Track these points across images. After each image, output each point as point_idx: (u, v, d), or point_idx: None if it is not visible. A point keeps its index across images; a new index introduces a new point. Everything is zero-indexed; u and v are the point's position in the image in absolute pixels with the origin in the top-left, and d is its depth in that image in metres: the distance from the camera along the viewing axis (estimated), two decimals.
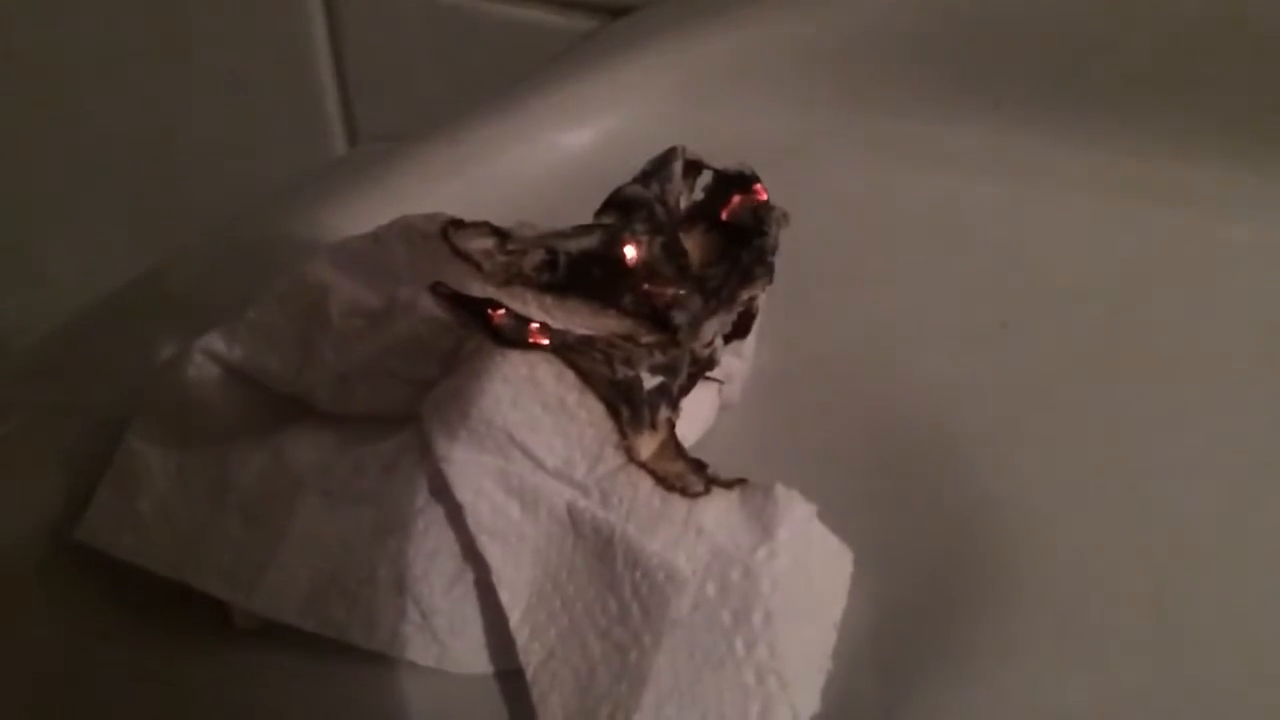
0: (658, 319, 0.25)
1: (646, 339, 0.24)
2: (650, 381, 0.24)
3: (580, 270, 0.25)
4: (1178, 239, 0.31)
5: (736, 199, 0.26)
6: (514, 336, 0.24)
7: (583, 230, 0.25)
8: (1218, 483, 0.25)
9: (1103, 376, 0.28)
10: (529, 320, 0.24)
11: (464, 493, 0.23)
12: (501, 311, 0.24)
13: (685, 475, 0.23)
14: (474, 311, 0.24)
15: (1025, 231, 0.32)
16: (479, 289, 0.25)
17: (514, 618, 0.23)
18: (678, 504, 0.23)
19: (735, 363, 0.27)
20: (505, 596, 0.23)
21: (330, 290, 0.25)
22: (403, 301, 0.24)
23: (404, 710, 0.23)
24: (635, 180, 0.26)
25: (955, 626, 0.23)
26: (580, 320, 0.25)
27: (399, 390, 0.24)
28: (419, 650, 0.23)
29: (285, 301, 0.26)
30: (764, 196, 0.26)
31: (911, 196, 0.33)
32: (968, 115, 0.34)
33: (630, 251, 0.25)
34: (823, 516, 0.24)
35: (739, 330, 0.27)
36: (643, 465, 0.23)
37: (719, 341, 0.26)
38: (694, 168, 0.27)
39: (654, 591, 0.22)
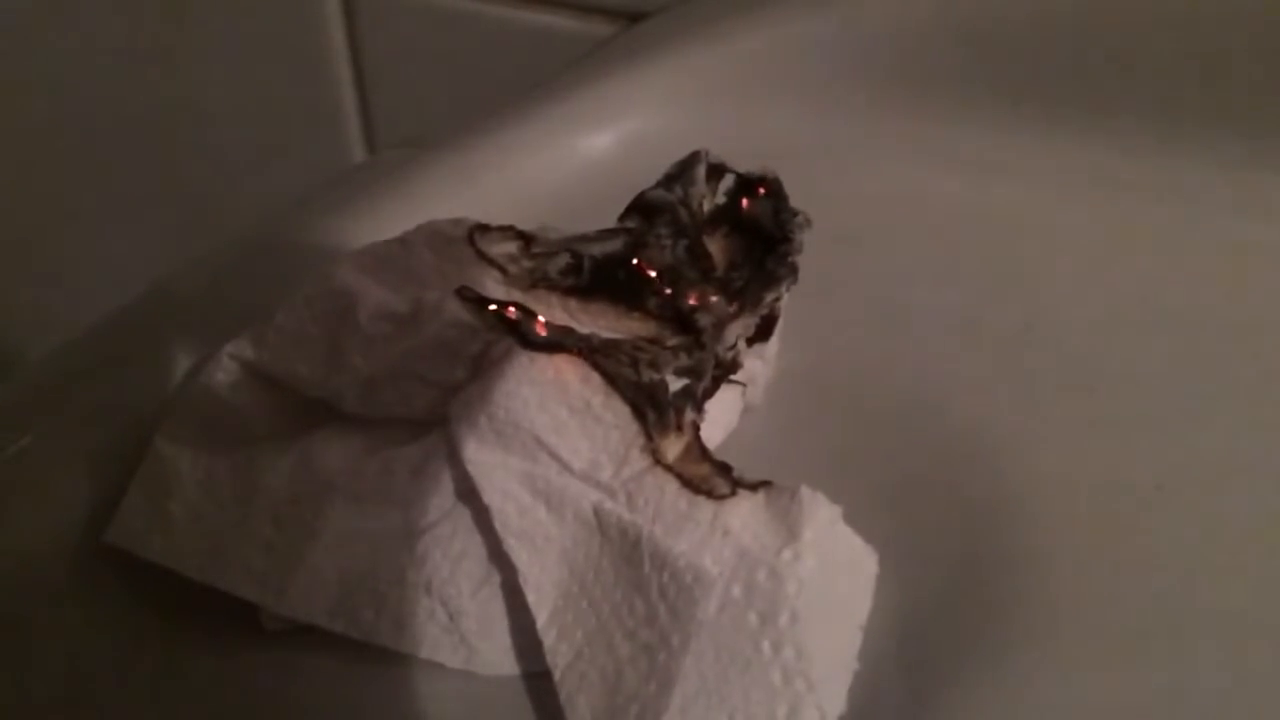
0: (682, 322, 0.25)
1: (671, 342, 0.25)
2: (675, 384, 0.24)
3: (605, 274, 0.25)
4: (1203, 241, 0.31)
5: (745, 202, 0.27)
6: (525, 331, 0.24)
7: (607, 234, 0.26)
8: (1244, 482, 0.25)
9: (1126, 377, 0.28)
10: (535, 314, 0.24)
11: (491, 495, 0.23)
12: (511, 307, 0.24)
13: (711, 477, 0.24)
14: (500, 314, 0.24)
15: (1048, 233, 0.32)
16: (504, 293, 0.25)
17: (541, 619, 0.23)
18: (704, 506, 0.23)
19: (758, 365, 0.28)
20: (532, 598, 0.23)
21: (357, 295, 0.25)
22: (430, 306, 0.24)
23: (432, 712, 0.23)
24: (658, 184, 0.26)
25: (980, 627, 0.23)
26: (605, 323, 0.25)
27: (426, 393, 0.25)
28: (447, 652, 0.23)
29: (312, 306, 0.26)
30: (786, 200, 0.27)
31: (932, 198, 0.33)
32: (989, 117, 0.34)
33: (651, 272, 0.25)
34: (847, 518, 0.24)
35: (762, 333, 0.27)
36: (668, 468, 0.24)
37: (742, 344, 0.26)
38: (717, 171, 0.27)
39: (681, 593, 0.22)
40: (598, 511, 0.23)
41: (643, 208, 0.26)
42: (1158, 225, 0.32)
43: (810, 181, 0.27)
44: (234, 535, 0.24)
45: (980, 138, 0.34)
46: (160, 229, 0.60)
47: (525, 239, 0.26)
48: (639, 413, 0.24)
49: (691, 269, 0.25)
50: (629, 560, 0.23)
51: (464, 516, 0.23)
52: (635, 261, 0.25)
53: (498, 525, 0.23)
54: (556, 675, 0.23)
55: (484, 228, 0.26)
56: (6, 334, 0.65)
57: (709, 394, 0.25)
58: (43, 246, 0.65)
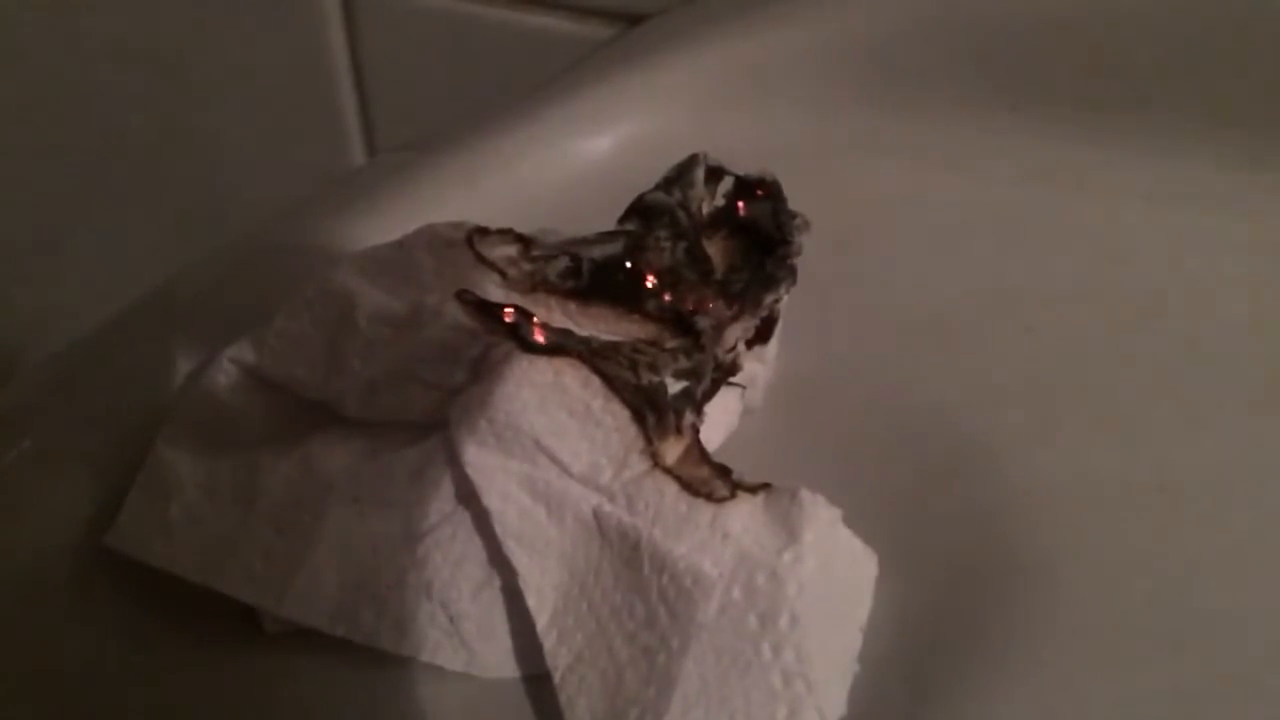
0: (682, 324, 0.25)
1: (670, 344, 0.25)
2: (674, 387, 0.24)
3: (604, 276, 0.25)
4: (1204, 241, 0.31)
5: (744, 204, 0.27)
6: (524, 334, 0.24)
7: (606, 236, 0.26)
8: (1246, 484, 0.25)
9: (1127, 378, 0.28)
10: (531, 315, 0.24)
11: (491, 498, 0.23)
12: (509, 309, 0.24)
13: (710, 480, 0.24)
14: (500, 318, 0.24)
15: (1047, 234, 0.32)
16: (503, 296, 0.25)
17: (541, 622, 0.23)
18: (703, 509, 0.23)
19: (758, 367, 0.28)
20: (532, 601, 0.23)
21: (357, 298, 0.25)
22: (429, 309, 0.24)
23: (432, 714, 0.23)
24: (657, 186, 0.26)
25: (980, 629, 0.23)
26: (605, 325, 0.25)
27: (426, 397, 0.25)
28: (447, 655, 0.23)
29: (313, 309, 0.26)
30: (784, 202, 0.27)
31: (932, 199, 0.33)
32: (988, 117, 0.34)
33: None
34: (847, 520, 0.24)
35: (761, 335, 0.27)
36: (668, 470, 0.24)
37: (742, 346, 0.26)
38: (715, 173, 0.27)
39: (681, 595, 0.22)
40: (598, 514, 0.23)
41: (642, 210, 0.26)
42: (1158, 225, 0.32)
43: (809, 183, 0.27)
44: (234, 539, 0.24)
45: (980, 139, 0.34)
46: (160, 232, 0.60)
47: (524, 242, 0.26)
48: (638, 416, 0.24)
49: (691, 271, 0.25)
50: (629, 563, 0.23)
51: (464, 520, 0.23)
52: (634, 264, 0.25)
53: (498, 528, 0.23)
54: (556, 678, 0.23)
55: (483, 231, 0.26)
56: (7, 337, 0.65)
57: (708, 396, 0.25)
58: (43, 249, 0.65)
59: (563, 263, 0.25)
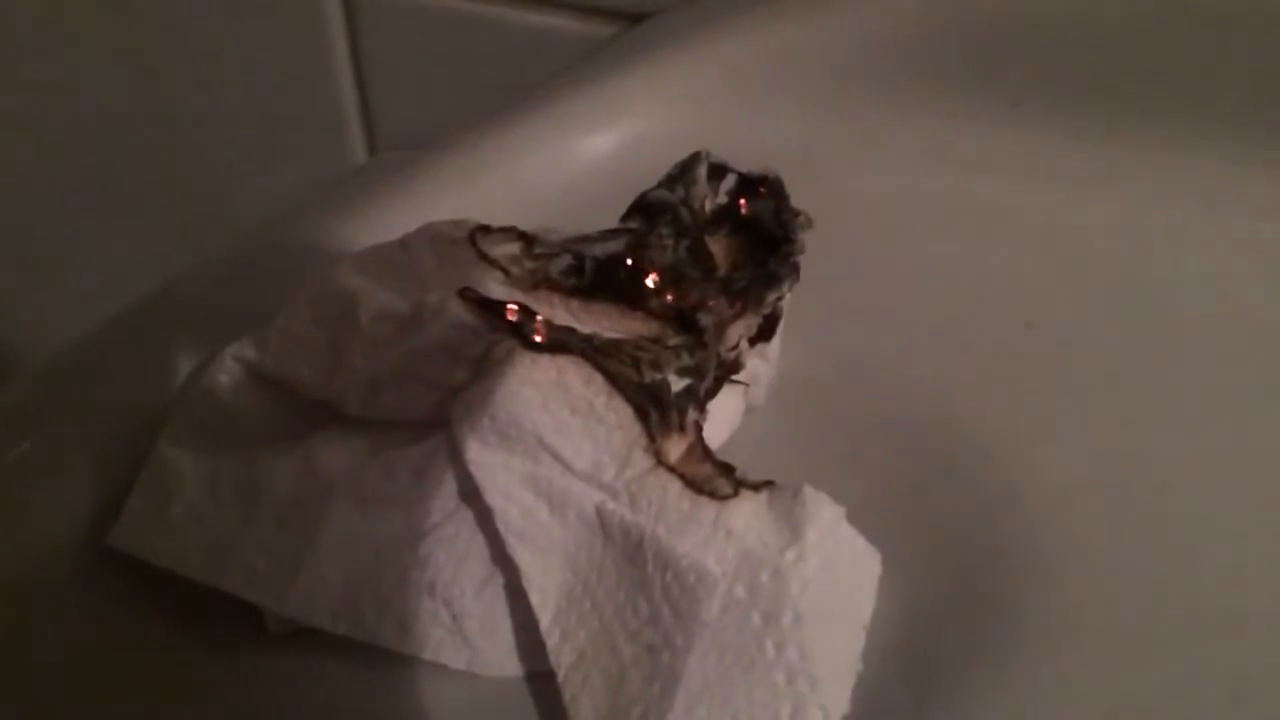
0: (684, 321, 0.25)
1: (673, 341, 0.25)
2: (677, 384, 0.24)
3: (606, 274, 0.25)
4: (1205, 238, 0.31)
5: (746, 202, 0.27)
6: (527, 332, 0.24)
7: (609, 234, 0.26)
8: (1248, 481, 0.25)
9: (1128, 375, 0.28)
10: (534, 313, 0.24)
11: (493, 496, 0.23)
12: (512, 307, 0.24)
13: (713, 478, 0.24)
14: (502, 316, 0.24)
15: (1048, 232, 0.32)
16: (506, 294, 0.25)
17: (544, 620, 0.23)
18: (706, 506, 0.23)
19: (760, 365, 0.28)
20: (535, 599, 0.23)
21: (359, 297, 0.25)
22: (431, 307, 0.24)
23: (435, 713, 0.23)
24: (660, 184, 0.26)
25: (984, 627, 0.23)
26: (608, 323, 0.25)
27: (428, 395, 0.25)
28: (450, 653, 0.23)
29: (314, 308, 0.26)
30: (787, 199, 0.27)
31: (934, 197, 0.33)
32: (988, 115, 0.34)
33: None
34: (850, 518, 0.24)
35: (764, 333, 0.27)
36: (671, 468, 0.24)
37: (745, 344, 0.26)
38: (718, 171, 0.27)
39: (684, 593, 0.22)
40: (600, 512, 0.23)
41: (644, 208, 0.26)
42: (1160, 224, 0.32)
43: (811, 181, 0.27)
44: (237, 537, 0.24)
45: (980, 138, 0.34)
46: (162, 232, 0.60)
47: (527, 240, 0.26)
48: (641, 413, 0.24)
49: (693, 269, 0.25)
50: (632, 561, 0.23)
51: (467, 518, 0.23)
52: (637, 262, 0.25)
53: (500, 526, 0.23)
54: (560, 676, 0.23)
55: (485, 229, 0.26)
56: (8, 337, 0.65)
57: (711, 394, 0.25)
58: (44, 249, 0.65)
59: (565, 260, 0.25)
